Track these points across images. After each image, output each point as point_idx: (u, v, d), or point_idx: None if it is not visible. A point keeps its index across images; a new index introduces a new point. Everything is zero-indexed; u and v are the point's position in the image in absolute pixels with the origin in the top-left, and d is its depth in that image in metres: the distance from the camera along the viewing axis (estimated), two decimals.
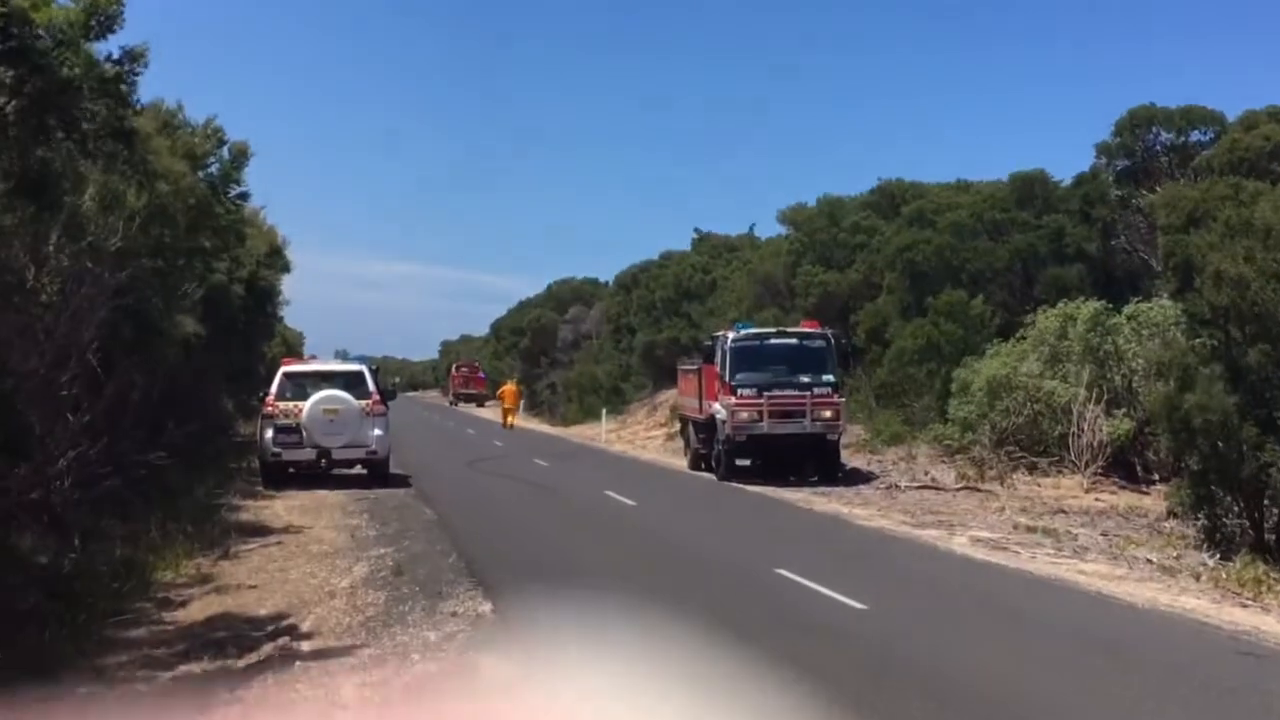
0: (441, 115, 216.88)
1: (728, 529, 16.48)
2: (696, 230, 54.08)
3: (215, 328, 21.59)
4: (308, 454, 21.49)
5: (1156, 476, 21.29)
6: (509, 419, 48.28)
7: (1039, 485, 21.35)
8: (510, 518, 17.55)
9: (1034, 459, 22.72)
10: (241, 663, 8.64)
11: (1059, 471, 22.16)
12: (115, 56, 9.95)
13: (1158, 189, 26.98)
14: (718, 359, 24.10)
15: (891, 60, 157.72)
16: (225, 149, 20.10)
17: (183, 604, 10.96)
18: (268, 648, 9.06)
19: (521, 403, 65.79)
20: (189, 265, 17.86)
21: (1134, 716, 7.33)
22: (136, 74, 10.04)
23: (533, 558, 13.48)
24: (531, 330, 69.34)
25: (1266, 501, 14.13)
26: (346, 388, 21.92)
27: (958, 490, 21.09)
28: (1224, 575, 12.69)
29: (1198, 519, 14.76)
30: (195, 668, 8.51)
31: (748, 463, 25.14)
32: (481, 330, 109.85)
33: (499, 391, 55.08)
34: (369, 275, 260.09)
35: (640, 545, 14.66)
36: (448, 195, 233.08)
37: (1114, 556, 14.24)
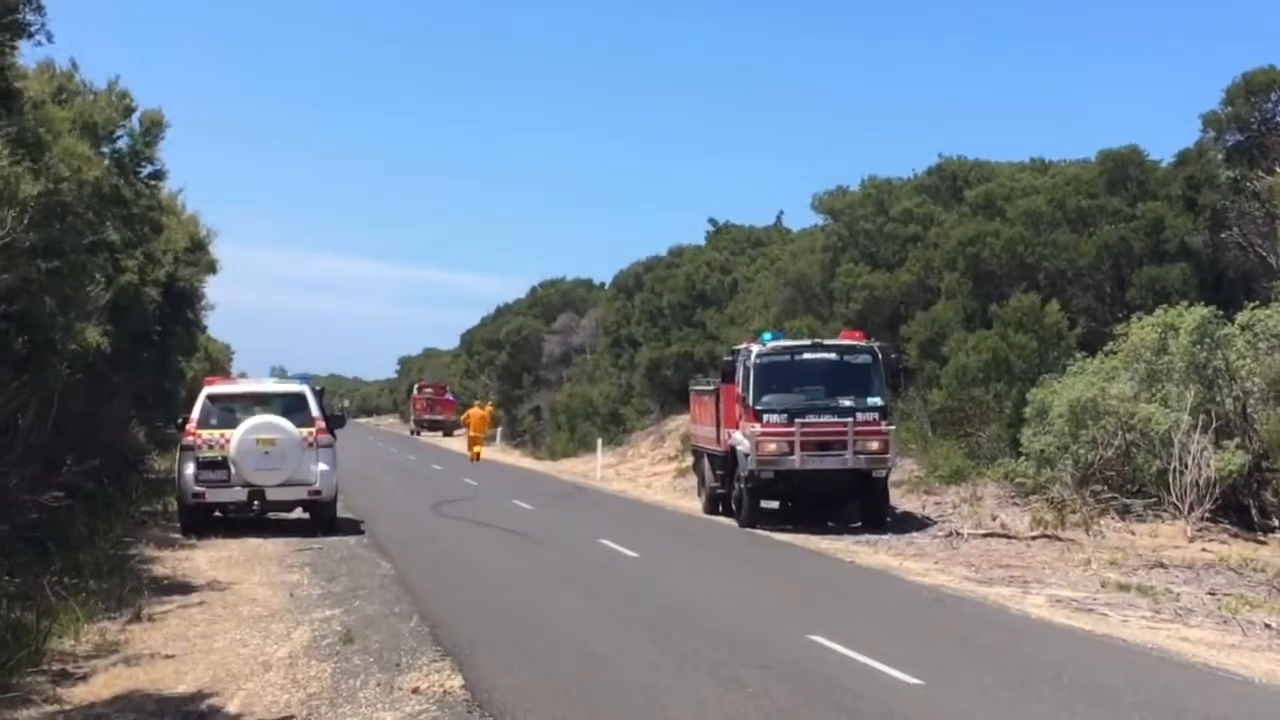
0: (400, 80, 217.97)
1: (751, 586, 16.48)
2: (712, 221, 54.20)
3: (124, 340, 21.62)
4: (237, 494, 21.55)
5: (1277, 522, 21.22)
6: (475, 449, 48.62)
7: (1132, 533, 21.31)
8: (485, 573, 17.54)
9: (1126, 500, 22.68)
10: None
11: (1157, 516, 22.10)
12: None
13: (1278, 169, 26.98)
14: (739, 378, 24.16)
15: (951, 14, 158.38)
16: (134, 119, 20.19)
17: (84, 678, 10.96)
18: None
19: (499, 431, 66.25)
20: (91, 262, 17.89)
21: None
22: (18, 16, 10.02)
23: (513, 621, 13.47)
24: (511, 343, 69.47)
25: None
26: (284, 413, 22.00)
27: (1033, 539, 21.07)
28: None
29: None
30: None
31: (776, 505, 25.09)
32: (450, 342, 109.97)
33: (464, 416, 55.28)
34: (312, 275, 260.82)
35: (643, 606, 14.66)
36: (409, 178, 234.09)
37: (1224, 620, 14.21)
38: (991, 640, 12.80)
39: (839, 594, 15.98)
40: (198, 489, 21.42)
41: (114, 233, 19.54)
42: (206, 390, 22.82)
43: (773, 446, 23.06)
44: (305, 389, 23.10)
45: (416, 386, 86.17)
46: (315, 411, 22.32)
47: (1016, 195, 31.94)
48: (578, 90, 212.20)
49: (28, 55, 19.44)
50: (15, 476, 14.89)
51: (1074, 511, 22.29)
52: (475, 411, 51.22)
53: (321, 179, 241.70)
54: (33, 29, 10.63)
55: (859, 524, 23.65)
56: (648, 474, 40.01)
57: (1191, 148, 30.69)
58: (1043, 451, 24.10)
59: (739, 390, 24.05)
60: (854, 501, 24.09)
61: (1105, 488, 23.08)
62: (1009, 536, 21.45)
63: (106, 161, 19.01)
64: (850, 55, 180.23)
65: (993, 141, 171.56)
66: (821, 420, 23.11)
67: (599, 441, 45.21)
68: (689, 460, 32.71)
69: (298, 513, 22.96)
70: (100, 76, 22.79)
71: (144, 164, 20.52)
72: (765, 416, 23.19)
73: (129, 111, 20.08)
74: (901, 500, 26.01)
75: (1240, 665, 11.78)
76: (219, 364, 52.31)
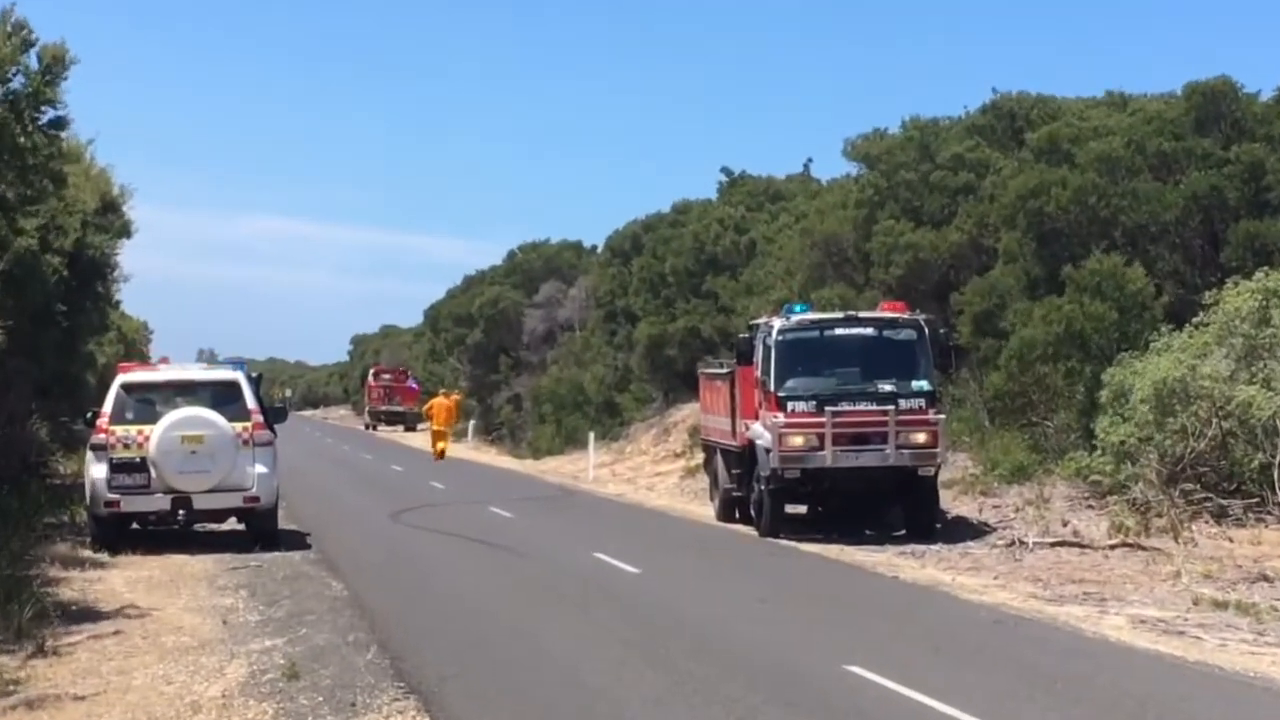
0: (346, 6, 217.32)
1: (773, 607, 16.48)
2: (725, 171, 54.05)
3: (21, 318, 21.60)
4: (159, 502, 21.53)
5: None
6: (439, 445, 48.98)
7: (1230, 540, 21.23)
8: (456, 593, 17.53)
9: (1223, 501, 22.62)
10: None
11: (1259, 520, 22.05)
12: None
13: None
14: (758, 359, 24.14)
15: None
16: (32, 54, 20.06)
17: None
18: None
19: (470, 424, 66.21)
20: None
21: None
22: None
23: (490, 651, 13.46)
24: (485, 318, 69.33)
25: None
26: (215, 405, 21.94)
27: (1111, 548, 21.02)
28: None
29: None
30: None
31: (803, 510, 25.06)
32: (412, 319, 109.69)
33: (426, 406, 55.48)
34: (246, 239, 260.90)
35: (645, 632, 14.64)
36: (361, 125, 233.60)
37: None
38: (1062, 669, 12.76)
39: (879, 615, 15.95)
40: (111, 496, 21.33)
41: (6, 189, 19.47)
42: (121, 378, 22.69)
43: (799, 440, 23.03)
44: (239, 376, 23.04)
45: (372, 372, 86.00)
46: (251, 403, 22.25)
47: (1088, 137, 31.78)
48: (563, 21, 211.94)
49: None
50: None
51: (1160, 515, 22.21)
52: (440, 401, 51.41)
53: (256, 126, 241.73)
54: None
55: (903, 532, 23.61)
56: (649, 474, 39.98)
57: None
58: (1122, 444, 24.01)
59: (758, 373, 24.01)
60: (897, 505, 24.05)
61: (1197, 486, 22.99)
62: (1082, 545, 21.37)
63: None
64: None
65: (1059, 74, 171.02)
66: (857, 409, 23.07)
67: (590, 436, 45.12)
68: (698, 458, 32.66)
69: (231, 523, 22.92)
70: None
71: (44, 108, 20.37)
72: (790, 405, 23.15)
73: (26, 46, 19.95)
74: (954, 503, 25.96)
75: None
76: (136, 347, 52.34)
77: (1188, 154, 30.01)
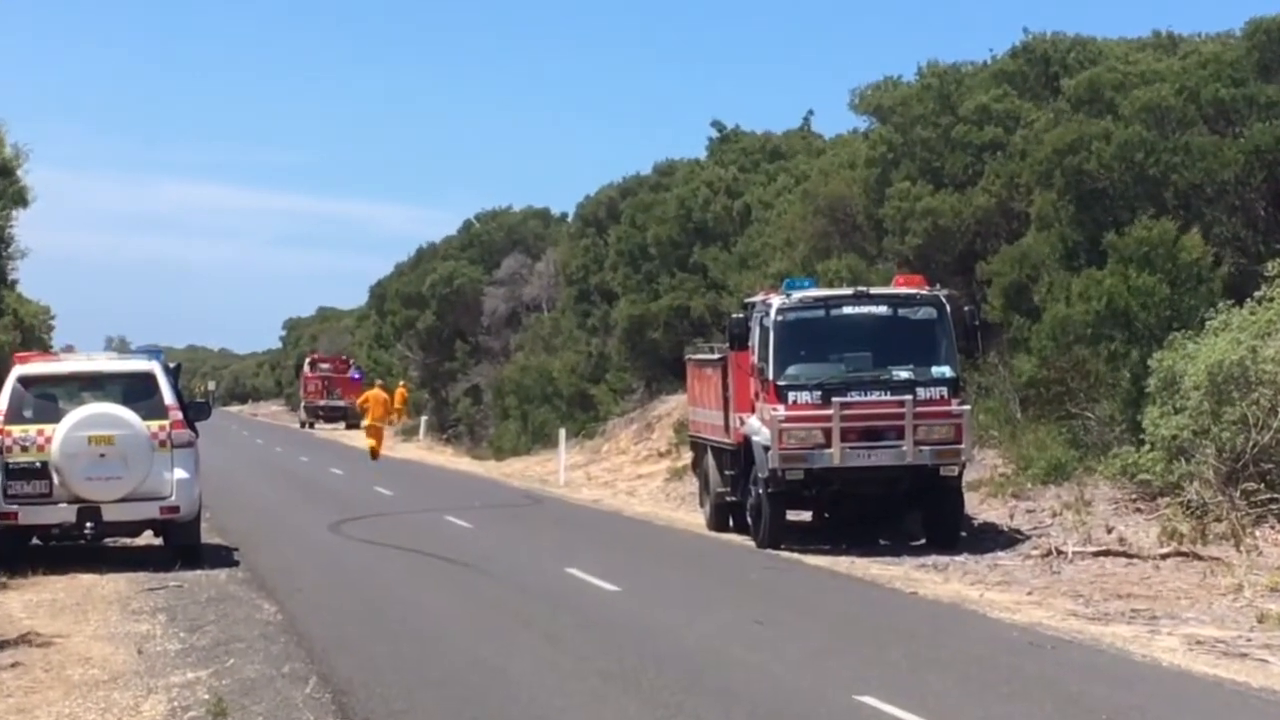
0: None
1: (774, 629, 16.45)
2: (716, 126, 53.95)
3: None
4: (62, 513, 21.46)
5: None
6: (374, 442, 49.77)
7: None
8: (407, 616, 17.53)
9: None
10: None
11: None
12: None
13: None
14: (755, 342, 24.16)
15: None
16: None
17: None
18: None
19: (422, 420, 66.18)
20: None
21: None
22: None
23: (448, 683, 13.45)
24: (439, 298, 69.23)
25: None
26: (126, 401, 21.92)
27: (1163, 558, 21.07)
28: None
29: None
30: None
31: (808, 517, 25.07)
32: (354, 299, 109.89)
33: (360, 399, 56.28)
34: (161, 208, 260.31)
35: (626, 658, 14.61)
36: (294, 76, 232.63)
37: None
38: (1108, 700, 12.77)
39: (896, 638, 15.92)
40: (7, 507, 21.26)
41: None
42: (18, 370, 22.63)
43: (801, 435, 23.01)
44: (154, 366, 22.95)
45: (308, 361, 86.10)
46: (169, 398, 22.19)
47: (1133, 84, 31.77)
48: None
49: None
50: None
51: (1219, 519, 22.25)
52: (375, 393, 52.15)
53: (172, 76, 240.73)
54: None
55: (922, 541, 23.68)
56: (630, 477, 40.04)
57: None
58: (1174, 438, 24.03)
59: (755, 359, 24.02)
60: (915, 510, 24.12)
61: (1261, 485, 23.02)
62: (1130, 555, 21.40)
63: None
64: None
65: (1099, 11, 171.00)
66: (869, 399, 23.11)
67: (561, 433, 45.07)
68: (686, 457, 32.69)
69: (147, 537, 22.91)
70: None
71: None
72: (791, 395, 23.16)
73: None
74: (981, 507, 26.00)
75: None
76: (35, 334, 52.07)
77: (1249, 102, 30.01)
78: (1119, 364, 26.87)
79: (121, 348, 50.99)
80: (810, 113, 58.95)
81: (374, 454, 48.99)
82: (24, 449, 21.37)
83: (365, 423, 51.17)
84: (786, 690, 13.05)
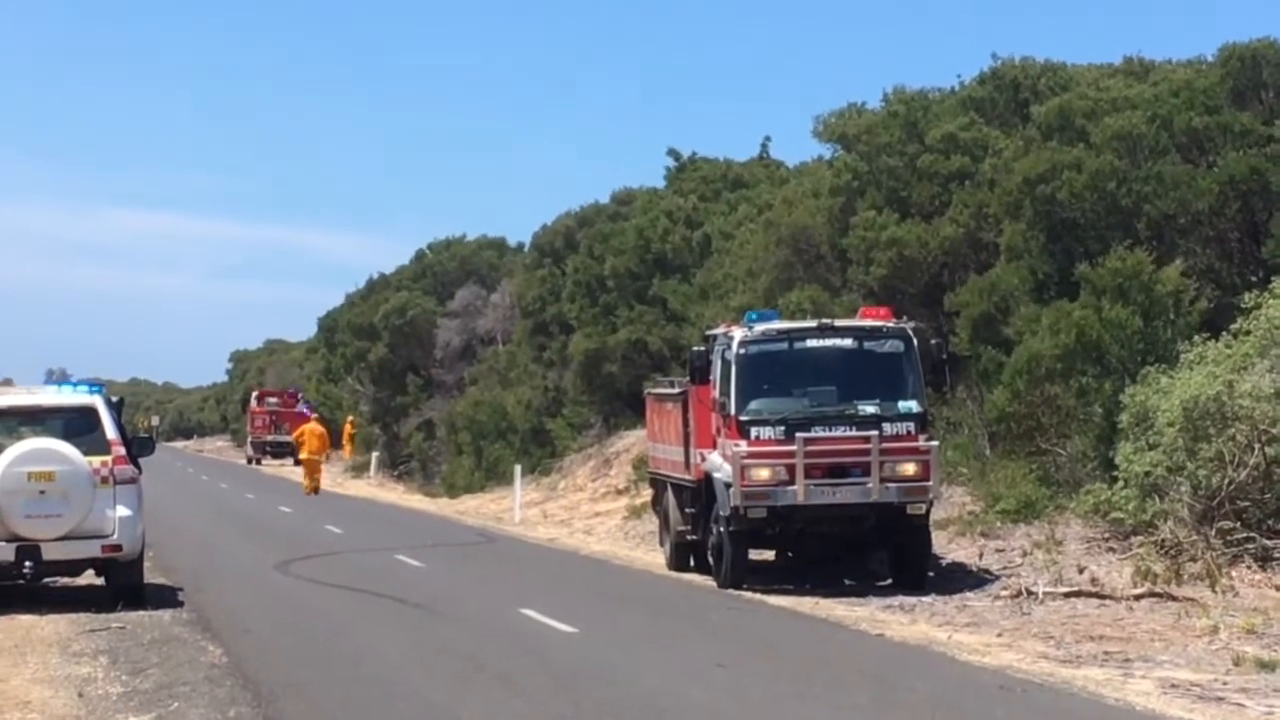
0: None
1: (735, 672, 16.37)
2: (673, 154, 54.06)
3: None
4: (1, 552, 21.19)
5: None
6: (312, 478, 50.97)
7: (1277, 588, 21.44)
8: (358, 659, 17.45)
9: (1268, 542, 22.77)
10: None
11: None
12: None
13: None
14: (716, 376, 24.11)
15: None
16: None
17: None
18: None
19: (375, 457, 66.23)
20: None
21: None
22: None
23: None
24: (390, 330, 69.45)
25: None
26: (67, 436, 21.81)
27: (1136, 599, 21.11)
28: None
29: None
30: None
31: (771, 556, 25.00)
32: (303, 332, 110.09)
33: (297, 434, 57.19)
34: (104, 237, 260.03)
35: (583, 704, 14.57)
36: (239, 99, 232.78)
37: None
38: None
39: (862, 681, 15.90)
40: None
41: None
42: None
43: (765, 473, 22.97)
44: (96, 401, 22.85)
45: (255, 396, 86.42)
46: (111, 433, 22.08)
47: (1105, 111, 31.92)
48: None
49: None
50: None
51: (1194, 559, 22.33)
52: (311, 427, 53.33)
53: (111, 99, 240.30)
54: None
55: (889, 581, 23.67)
56: (587, 514, 40.11)
57: None
58: (1148, 475, 24.09)
59: (716, 394, 23.98)
60: (881, 550, 24.15)
61: (1237, 524, 23.13)
62: (1102, 596, 21.44)
63: None
64: None
65: (1069, 36, 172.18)
66: (834, 435, 23.07)
67: (517, 470, 45.28)
68: (645, 494, 32.62)
69: (88, 577, 22.74)
70: None
71: None
72: (754, 430, 23.10)
73: None
74: (949, 546, 26.04)
75: None
76: None
77: (1223, 131, 30.16)
78: (1090, 399, 26.97)
79: (62, 380, 50.72)
80: (768, 139, 58.72)
81: (312, 489, 50.02)
82: None
83: (301, 456, 52.36)
84: None
